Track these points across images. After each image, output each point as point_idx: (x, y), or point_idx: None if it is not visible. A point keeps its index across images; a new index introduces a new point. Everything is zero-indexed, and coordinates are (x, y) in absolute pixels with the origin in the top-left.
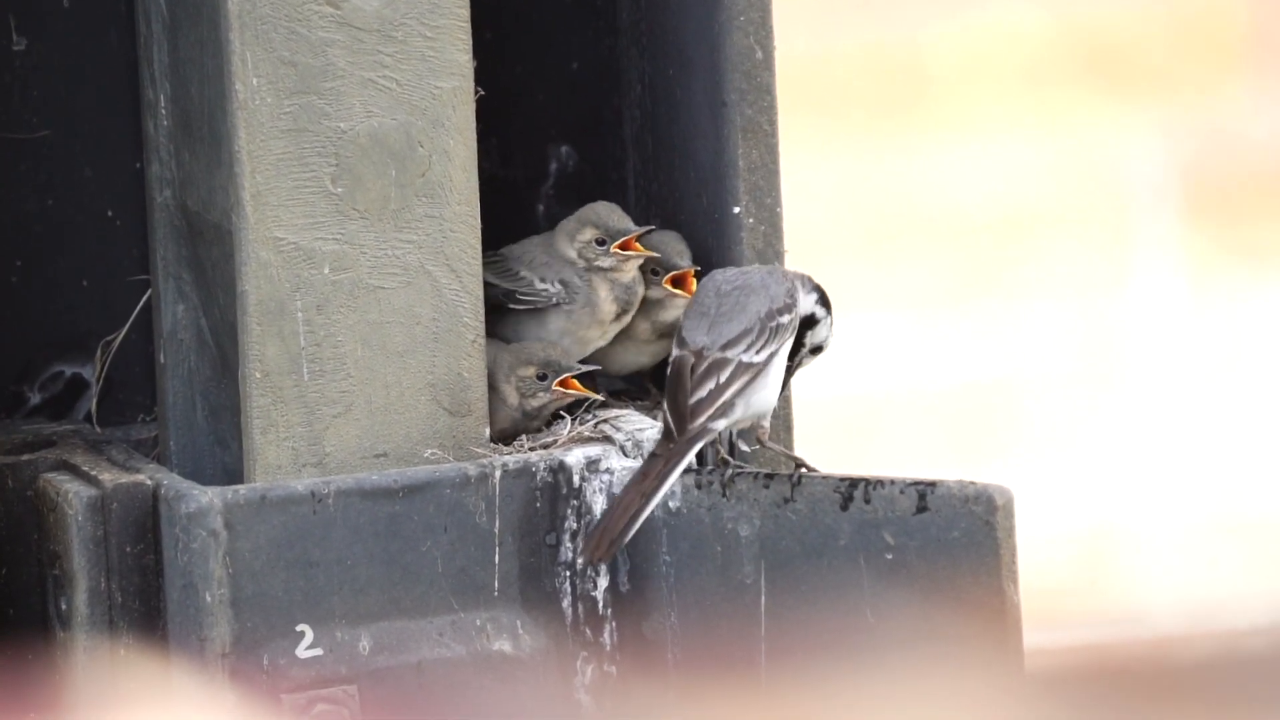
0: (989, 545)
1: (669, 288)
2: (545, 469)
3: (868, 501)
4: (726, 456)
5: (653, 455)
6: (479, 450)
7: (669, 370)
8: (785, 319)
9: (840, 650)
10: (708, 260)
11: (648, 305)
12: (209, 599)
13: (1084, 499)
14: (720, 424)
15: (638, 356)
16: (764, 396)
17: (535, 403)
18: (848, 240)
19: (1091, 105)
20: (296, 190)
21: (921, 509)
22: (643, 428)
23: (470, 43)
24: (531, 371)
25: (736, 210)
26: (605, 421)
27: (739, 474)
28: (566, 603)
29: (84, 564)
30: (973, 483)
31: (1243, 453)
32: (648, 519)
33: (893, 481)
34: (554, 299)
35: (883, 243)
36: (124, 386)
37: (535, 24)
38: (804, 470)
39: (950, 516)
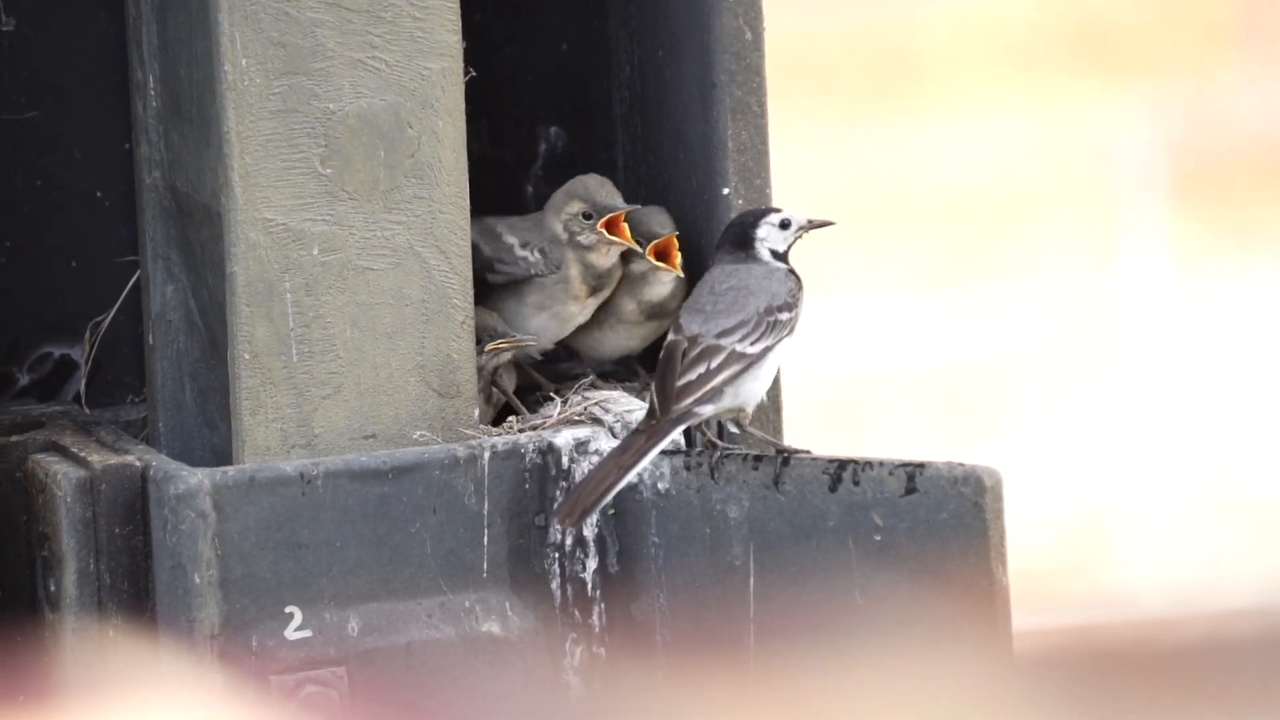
0: (978, 527)
1: (652, 259)
2: (534, 450)
3: (856, 483)
4: (714, 439)
5: (635, 431)
6: (468, 432)
7: (661, 353)
8: (785, 316)
9: (829, 632)
10: (697, 241)
11: (633, 283)
12: (198, 580)
13: (1072, 481)
14: (707, 409)
15: (627, 340)
16: (754, 388)
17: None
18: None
19: (1080, 87)
20: (285, 171)
21: (910, 490)
22: (631, 409)
23: (460, 24)
24: None
25: (726, 191)
26: (594, 403)
27: (727, 456)
28: (555, 584)
29: (73, 545)
30: (961, 464)
31: (1231, 434)
32: (636, 500)
33: (881, 463)
34: (532, 269)
35: (871, 224)
36: (113, 367)
37: (525, 5)
38: (790, 453)
39: (939, 498)
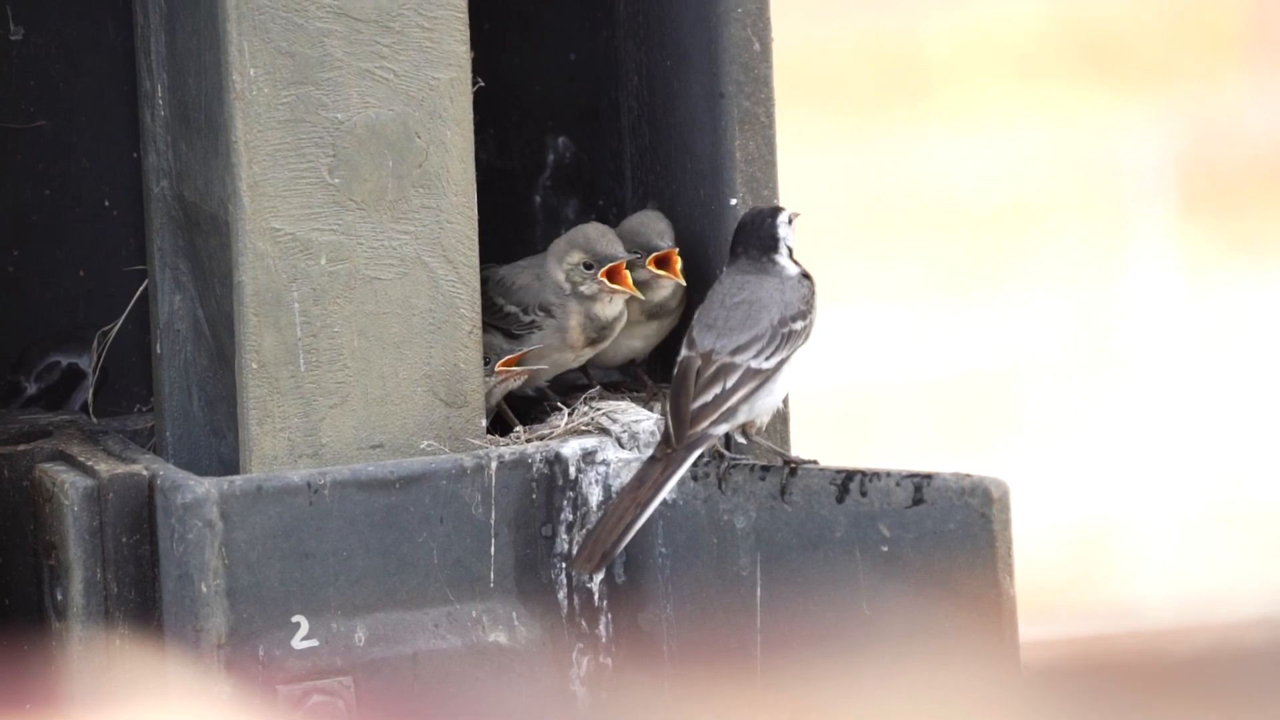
0: (985, 538)
1: (653, 269)
2: (541, 460)
3: (863, 494)
4: (722, 449)
5: (651, 459)
6: (475, 441)
7: (675, 371)
8: (799, 325)
9: (836, 643)
10: (704, 251)
11: (637, 285)
12: (204, 590)
13: (1080, 491)
14: (722, 429)
15: (630, 341)
16: (769, 402)
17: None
18: (844, 231)
19: (1088, 97)
20: (293, 181)
21: (917, 501)
22: (639, 419)
23: (468, 33)
24: None
25: (734, 202)
26: (601, 413)
27: (734, 466)
28: (562, 594)
29: (80, 554)
30: (968, 475)
31: (1238, 444)
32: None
33: (888, 474)
34: (536, 328)
35: (879, 234)
36: (120, 377)
37: (533, 15)
38: (797, 464)
39: (946, 509)
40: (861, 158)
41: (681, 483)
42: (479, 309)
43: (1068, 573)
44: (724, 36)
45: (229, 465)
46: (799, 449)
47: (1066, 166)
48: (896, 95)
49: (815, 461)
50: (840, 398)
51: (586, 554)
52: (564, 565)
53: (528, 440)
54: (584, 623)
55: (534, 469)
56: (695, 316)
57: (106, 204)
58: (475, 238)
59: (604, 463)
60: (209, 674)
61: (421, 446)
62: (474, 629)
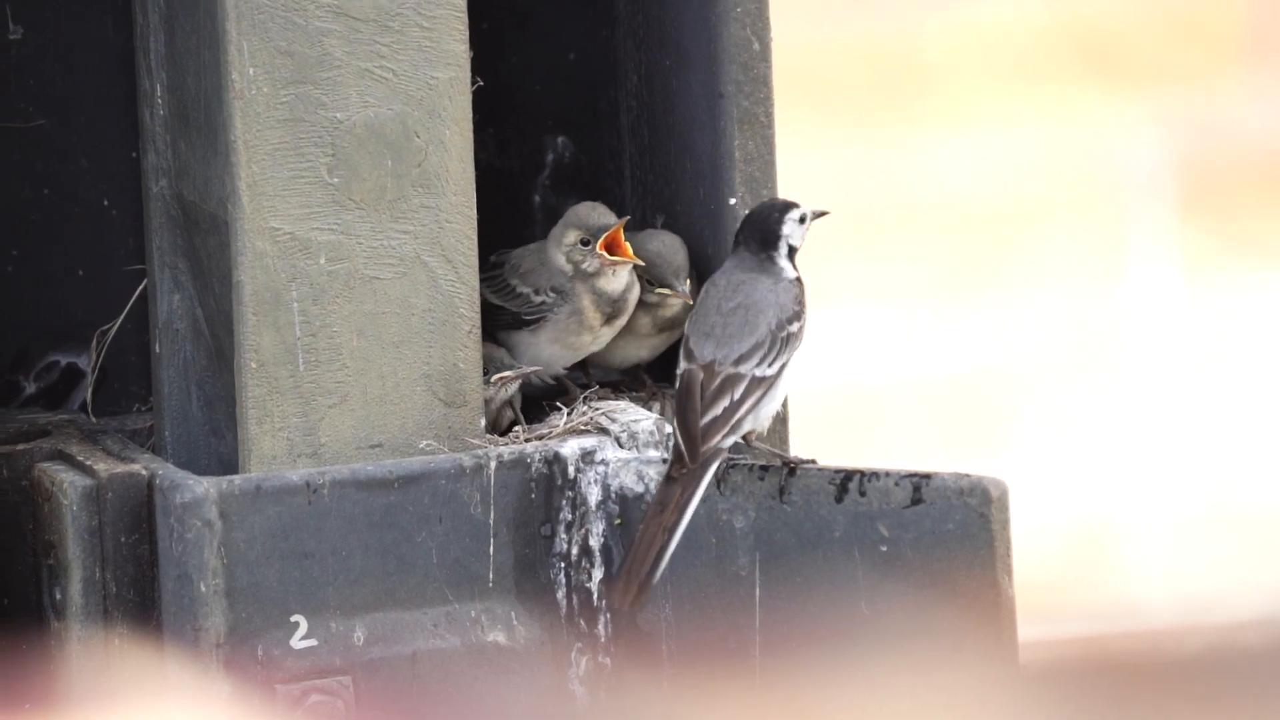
0: (983, 538)
1: (663, 293)
2: (540, 460)
3: (862, 494)
4: (775, 450)
5: (668, 480)
6: (474, 441)
7: (677, 385)
8: (795, 326)
9: (835, 643)
10: (704, 252)
11: (648, 304)
12: (203, 589)
13: (1079, 491)
14: (732, 440)
15: (637, 350)
16: (772, 408)
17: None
18: (842, 232)
19: (1086, 97)
20: (292, 180)
21: (916, 501)
22: (638, 419)
23: (467, 33)
24: None
25: (733, 201)
26: (600, 413)
27: (733, 466)
28: (561, 594)
29: (79, 554)
30: (967, 475)
31: (1237, 445)
32: (642, 510)
33: (887, 474)
34: (549, 310)
35: (877, 234)
36: (119, 376)
37: (532, 15)
38: (796, 464)
39: (945, 509)
40: (859, 158)
41: (705, 499)
42: (478, 308)
43: (1066, 573)
44: (723, 36)
45: (228, 465)
46: (797, 450)
47: (1064, 167)
48: (894, 96)
49: (814, 461)
50: (838, 399)
51: (622, 588)
52: (563, 565)
53: (527, 440)
54: (583, 622)
55: (533, 469)
56: (690, 323)
57: (105, 203)
58: (474, 237)
59: (603, 462)
60: (208, 673)
61: (420, 446)
62: (473, 629)
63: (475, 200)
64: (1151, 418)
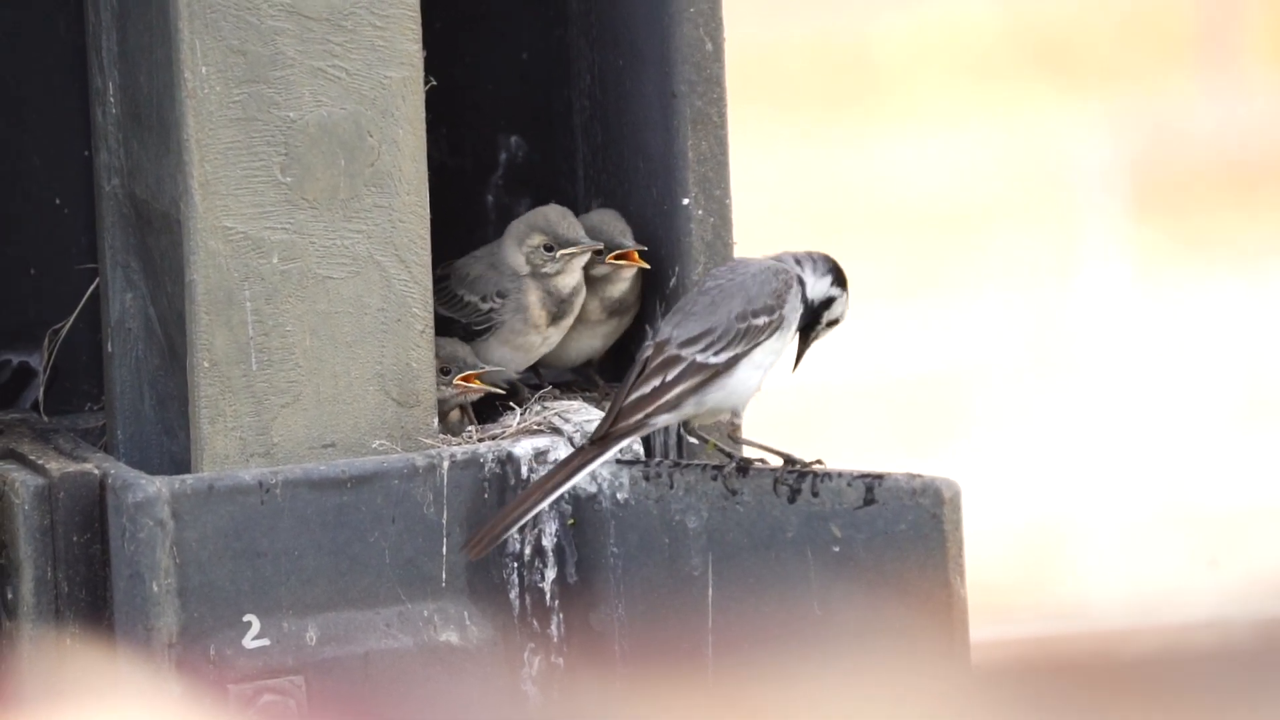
0: (936, 538)
1: (613, 262)
2: (493, 460)
3: (815, 494)
4: (721, 446)
5: (580, 448)
6: (427, 441)
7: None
8: (762, 320)
9: (787, 642)
10: (656, 251)
11: (595, 282)
12: (155, 589)
13: (1031, 491)
14: (663, 419)
15: (590, 340)
16: (722, 397)
17: (439, 395)
18: (795, 232)
19: (1039, 98)
20: (245, 179)
21: (869, 501)
22: (590, 419)
23: (420, 32)
24: (436, 366)
25: (686, 201)
26: (553, 413)
27: (685, 466)
28: (514, 594)
29: (30, 553)
30: (920, 475)
31: (1189, 445)
32: (595, 510)
33: (840, 474)
34: (497, 315)
35: (830, 234)
36: (71, 375)
37: (485, 14)
38: (749, 463)
39: (897, 509)
40: (812, 158)
41: (634, 482)
42: (431, 308)
43: (1018, 573)
44: (676, 36)
45: (180, 464)
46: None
47: (1017, 168)
48: (847, 96)
49: (820, 461)
50: (791, 398)
51: (478, 535)
52: (516, 565)
53: (479, 440)
54: (535, 622)
55: (486, 468)
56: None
57: (57, 202)
58: (428, 237)
59: (556, 462)
60: (160, 673)
61: (373, 446)
62: (425, 628)
63: (429, 200)
64: (1104, 418)
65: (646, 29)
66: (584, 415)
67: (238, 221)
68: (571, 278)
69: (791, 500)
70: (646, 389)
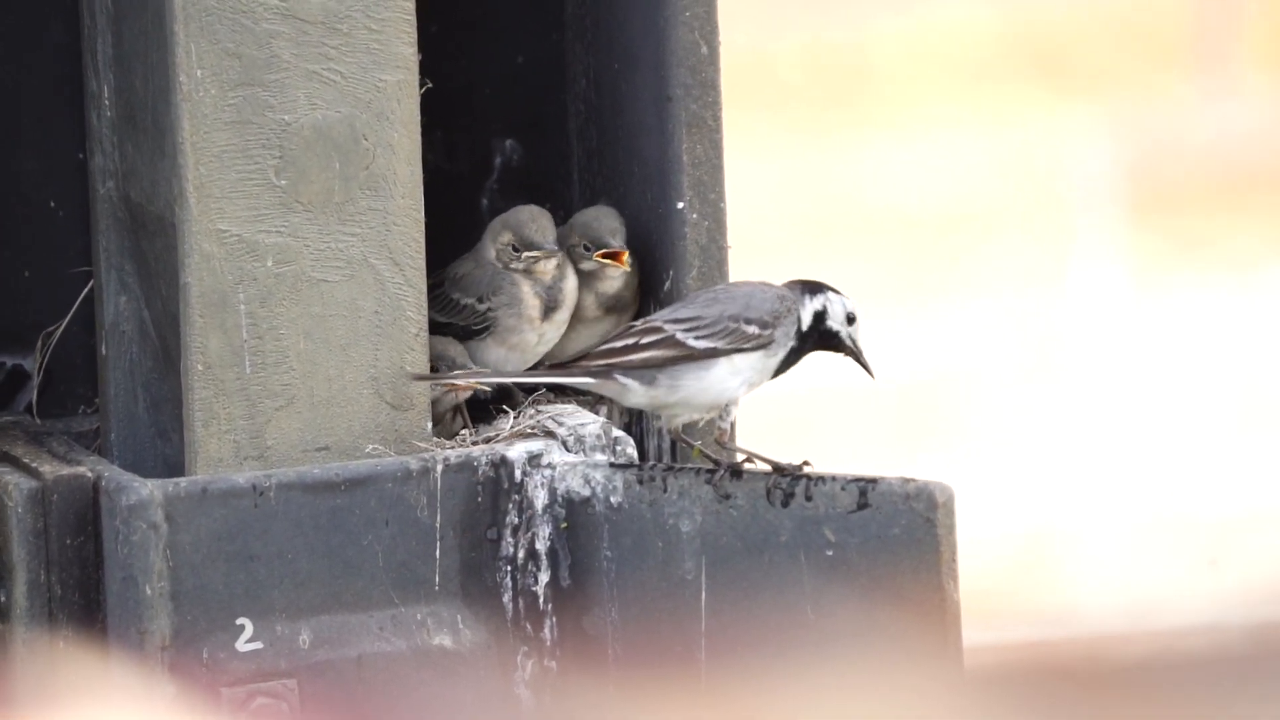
0: (929, 543)
1: (600, 259)
2: (487, 463)
3: (809, 498)
4: (707, 452)
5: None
6: (421, 444)
7: None
8: (753, 330)
9: (780, 647)
10: (650, 255)
11: (588, 278)
12: (149, 592)
13: (1024, 496)
14: (629, 380)
15: (588, 338)
16: (696, 390)
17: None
18: (790, 236)
19: (1034, 103)
20: (240, 183)
21: (862, 506)
22: (584, 422)
23: (415, 35)
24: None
25: (681, 205)
26: (547, 416)
27: (679, 470)
28: (507, 597)
29: (23, 556)
30: (914, 480)
31: (1183, 450)
32: (589, 514)
33: (834, 478)
34: (493, 310)
35: (826, 238)
36: (65, 378)
37: (481, 17)
38: (737, 467)
39: (891, 513)
40: (808, 162)
41: (628, 486)
42: (425, 312)
43: (1012, 578)
44: (672, 40)
45: (174, 467)
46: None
47: (1012, 173)
48: (844, 100)
49: (807, 463)
50: (785, 403)
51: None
52: (510, 569)
53: (473, 443)
54: (529, 626)
55: (480, 472)
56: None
57: (52, 204)
58: (422, 240)
59: (550, 466)
60: (153, 676)
61: (367, 450)
62: (419, 632)
63: (423, 203)
64: (1098, 423)
65: (642, 33)
66: (578, 419)
67: (232, 224)
68: (545, 274)
69: (785, 504)
70: (618, 343)
